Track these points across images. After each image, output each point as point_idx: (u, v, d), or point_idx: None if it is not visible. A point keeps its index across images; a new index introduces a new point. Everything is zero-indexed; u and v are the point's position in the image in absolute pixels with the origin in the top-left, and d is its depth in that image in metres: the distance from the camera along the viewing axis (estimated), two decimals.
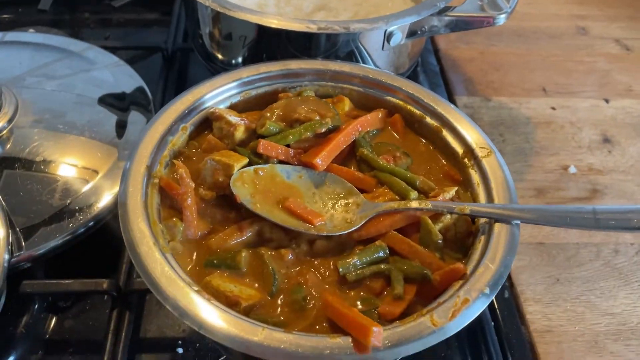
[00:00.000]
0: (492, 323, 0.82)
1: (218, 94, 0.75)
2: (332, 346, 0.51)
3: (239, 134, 0.71)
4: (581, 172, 1.05)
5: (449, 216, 0.64)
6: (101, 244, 0.88)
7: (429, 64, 1.24)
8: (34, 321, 0.81)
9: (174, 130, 0.70)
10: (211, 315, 0.52)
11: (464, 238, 0.65)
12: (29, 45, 1.11)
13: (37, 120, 0.94)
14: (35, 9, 1.29)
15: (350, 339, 0.52)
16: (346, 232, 0.63)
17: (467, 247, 0.64)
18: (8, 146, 0.89)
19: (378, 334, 0.50)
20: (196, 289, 0.55)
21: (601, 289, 0.87)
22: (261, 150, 0.67)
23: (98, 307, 0.83)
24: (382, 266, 0.60)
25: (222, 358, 0.78)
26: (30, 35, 1.18)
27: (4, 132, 0.89)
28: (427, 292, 0.59)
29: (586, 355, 0.80)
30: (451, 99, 1.16)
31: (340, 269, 0.60)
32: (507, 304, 0.84)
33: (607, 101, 1.19)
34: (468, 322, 0.54)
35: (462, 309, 0.54)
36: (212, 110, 0.73)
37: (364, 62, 0.96)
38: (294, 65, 0.79)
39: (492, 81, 1.22)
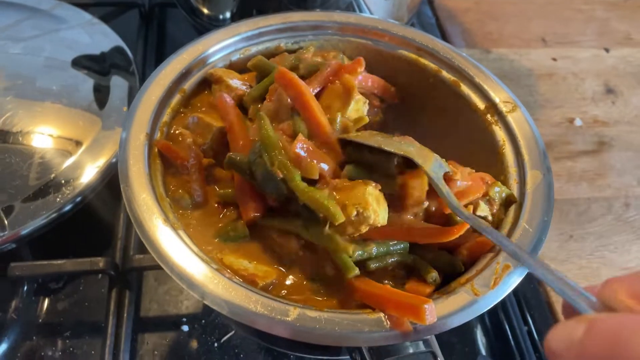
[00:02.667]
0: None
1: (216, 51, 0.68)
2: (372, 323, 0.47)
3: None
4: (587, 125, 1.02)
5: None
6: (89, 220, 0.82)
7: (425, 16, 1.18)
8: (25, 305, 0.75)
9: (172, 93, 0.63)
10: (237, 297, 0.47)
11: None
12: None
13: (8, 87, 0.86)
14: None
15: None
16: None
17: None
18: None
19: (431, 311, 0.46)
20: (215, 267, 0.50)
21: (615, 243, 0.86)
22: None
23: (93, 286, 0.77)
24: (406, 257, 0.55)
25: (230, 333, 0.74)
26: None
27: None
28: None
29: None
30: None
31: (358, 253, 0.54)
32: None
33: (607, 50, 1.16)
34: (511, 290, 0.50)
35: (504, 276, 0.51)
36: (211, 71, 0.66)
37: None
38: (296, 17, 0.72)
39: (490, 32, 1.17)
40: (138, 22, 1.07)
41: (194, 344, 0.74)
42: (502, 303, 0.77)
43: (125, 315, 0.71)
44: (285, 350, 0.70)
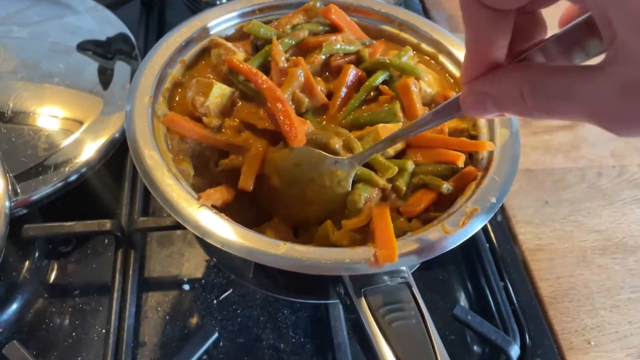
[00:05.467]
0: (487, 245, 0.85)
1: (213, 26, 0.74)
2: (353, 256, 0.53)
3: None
4: None
5: None
6: (95, 189, 0.88)
7: (411, 2, 1.24)
8: (36, 267, 0.80)
9: (173, 63, 0.69)
10: (232, 234, 0.53)
11: None
12: None
13: (15, 69, 0.91)
14: None
15: (369, 249, 0.54)
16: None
17: None
18: None
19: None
20: (215, 210, 0.56)
21: (587, 209, 0.91)
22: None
23: (100, 250, 0.83)
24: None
25: (228, 292, 0.80)
26: None
27: None
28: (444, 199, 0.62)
29: (576, 269, 0.84)
30: None
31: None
32: (501, 227, 0.88)
33: None
34: (478, 229, 0.56)
35: (472, 218, 0.56)
36: (211, 38, 0.72)
37: None
38: None
39: None
40: (139, 9, 1.13)
41: (194, 301, 0.79)
42: (481, 263, 0.83)
43: (130, 272, 0.76)
44: (278, 295, 0.75)
